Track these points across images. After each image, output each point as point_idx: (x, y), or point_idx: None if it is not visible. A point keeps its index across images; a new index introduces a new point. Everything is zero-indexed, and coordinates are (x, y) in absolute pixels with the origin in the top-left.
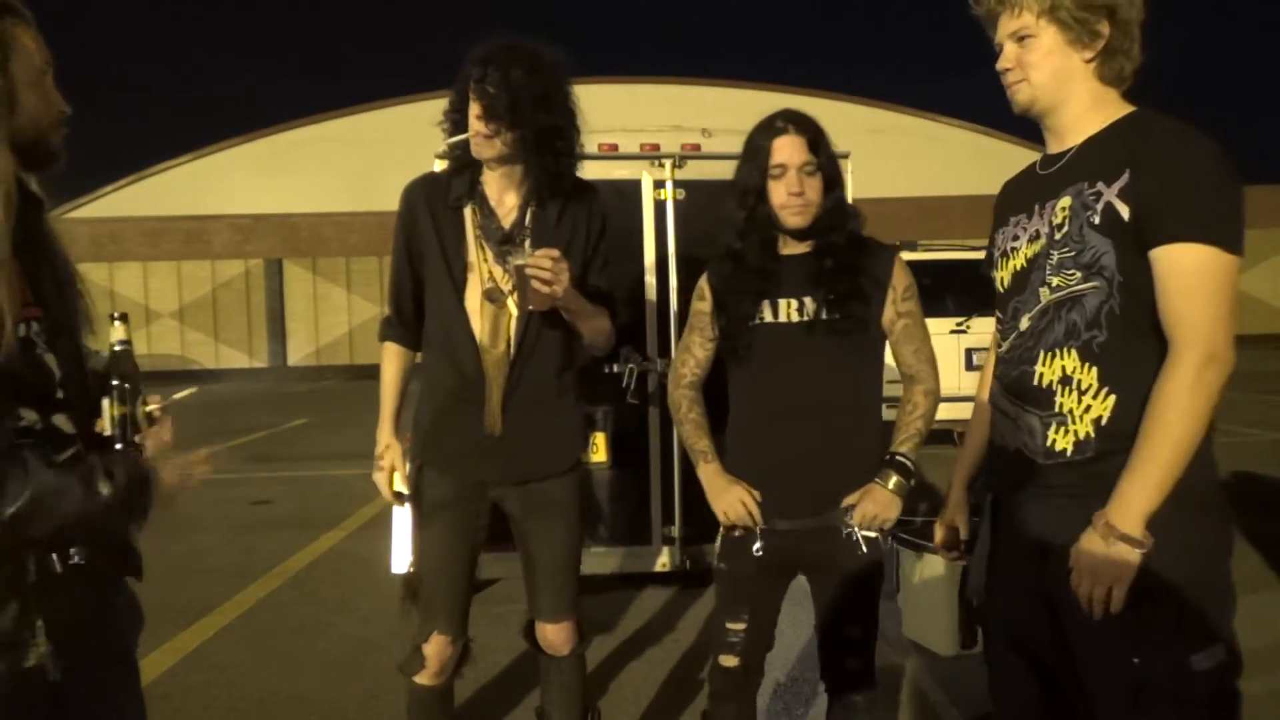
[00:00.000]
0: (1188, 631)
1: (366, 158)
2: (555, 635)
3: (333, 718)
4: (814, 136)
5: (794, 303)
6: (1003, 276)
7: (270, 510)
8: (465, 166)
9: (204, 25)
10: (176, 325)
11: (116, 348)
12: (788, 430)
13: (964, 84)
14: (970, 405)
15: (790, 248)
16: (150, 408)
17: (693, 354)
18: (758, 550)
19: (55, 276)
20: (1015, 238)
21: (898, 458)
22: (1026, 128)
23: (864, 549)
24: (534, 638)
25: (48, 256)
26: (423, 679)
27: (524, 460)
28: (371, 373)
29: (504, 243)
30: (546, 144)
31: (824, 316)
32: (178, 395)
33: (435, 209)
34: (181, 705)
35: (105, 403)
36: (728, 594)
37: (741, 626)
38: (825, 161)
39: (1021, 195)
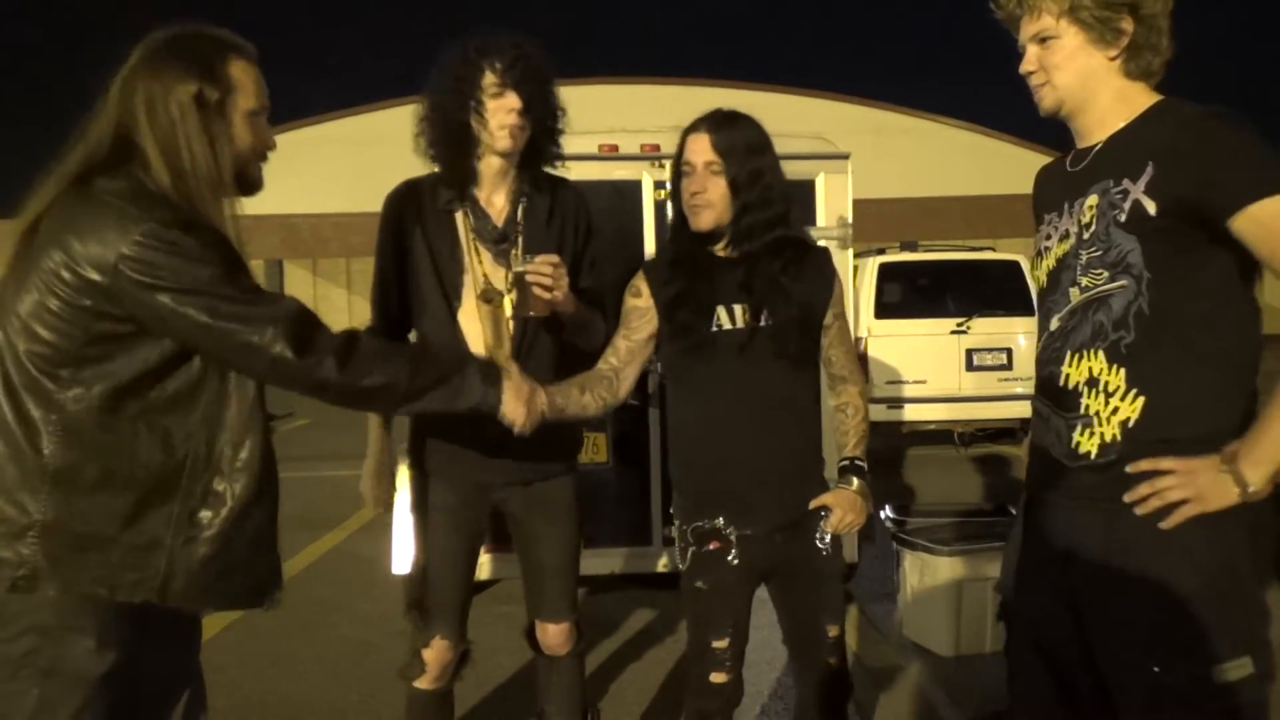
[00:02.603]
0: (1211, 642)
1: (367, 158)
2: (556, 636)
3: (332, 719)
4: (726, 137)
5: (745, 308)
6: (1039, 276)
7: None
8: (455, 170)
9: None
10: None
11: None
12: (748, 435)
13: (966, 85)
14: (971, 406)
15: (726, 252)
16: None
17: (614, 345)
18: (733, 559)
19: None
20: (1048, 237)
21: (855, 462)
22: (1028, 129)
23: (830, 549)
24: (535, 639)
25: None
26: (422, 683)
27: (529, 461)
28: None
29: (500, 241)
30: (552, 133)
31: (775, 322)
32: None
33: (424, 216)
34: None
35: None
36: (709, 611)
37: (726, 643)
38: (738, 166)
39: (1054, 192)
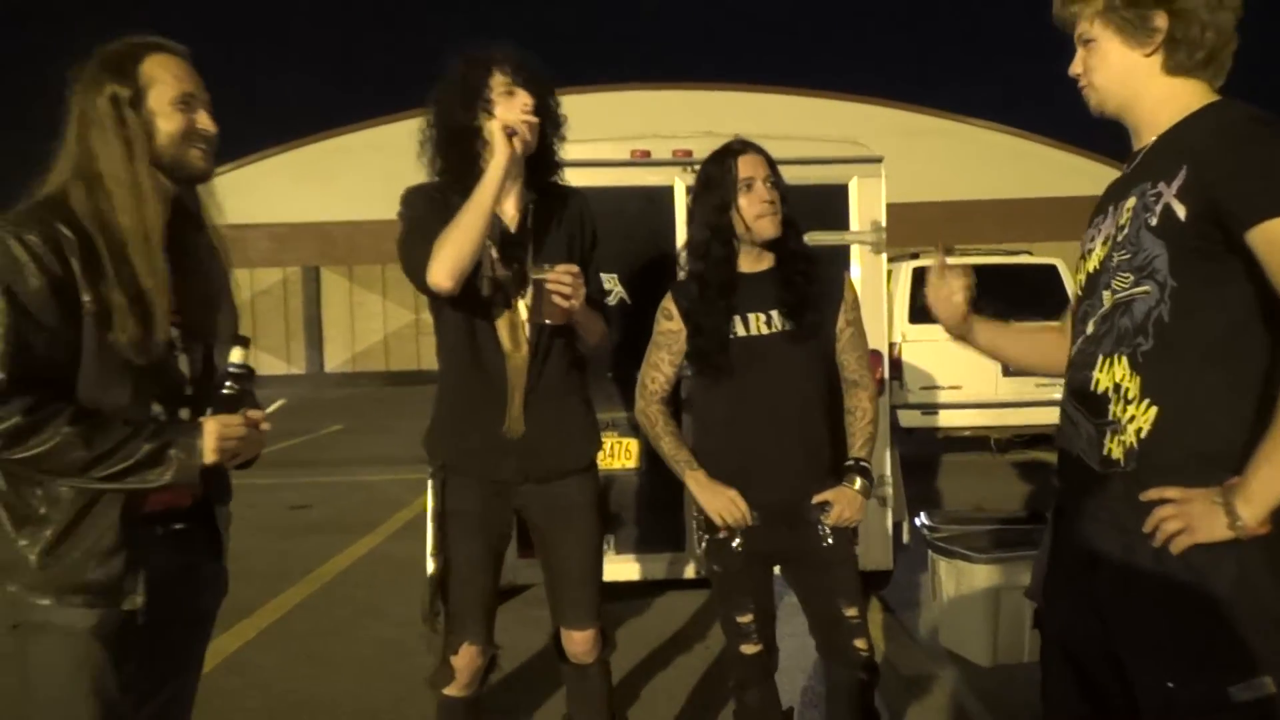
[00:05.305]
0: (1229, 660)
1: (400, 165)
2: (580, 643)
3: None
4: (767, 156)
5: (761, 316)
6: (1080, 280)
7: (307, 515)
8: (462, 175)
9: (240, 35)
10: None
11: (231, 370)
12: (760, 432)
13: (1001, 86)
14: (1007, 411)
15: (749, 265)
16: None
17: (661, 370)
18: (737, 545)
19: (201, 288)
20: (1092, 239)
21: (860, 463)
22: (1065, 130)
23: (832, 540)
24: (561, 647)
25: (197, 269)
26: (452, 691)
27: (543, 458)
28: (406, 379)
29: (512, 246)
30: (553, 141)
31: (790, 328)
32: (270, 409)
33: (443, 217)
34: (220, 709)
35: (209, 411)
36: (727, 591)
37: (749, 618)
38: (779, 180)
39: (1107, 196)
